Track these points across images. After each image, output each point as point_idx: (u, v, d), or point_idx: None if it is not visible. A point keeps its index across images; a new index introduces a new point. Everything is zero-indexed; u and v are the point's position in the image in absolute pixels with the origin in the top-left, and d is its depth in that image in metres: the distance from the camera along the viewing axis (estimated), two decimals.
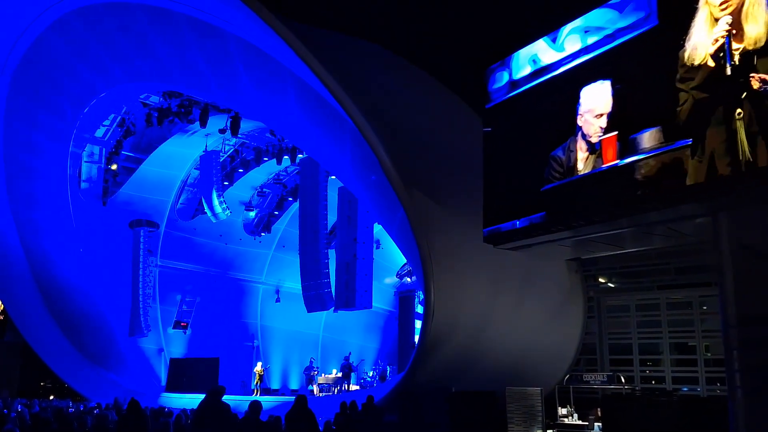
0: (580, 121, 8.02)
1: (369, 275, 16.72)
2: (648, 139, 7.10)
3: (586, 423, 11.13)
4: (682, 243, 11.04)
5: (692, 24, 6.80)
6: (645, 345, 14.31)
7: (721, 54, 6.44)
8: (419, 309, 20.52)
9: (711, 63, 6.57)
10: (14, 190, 17.36)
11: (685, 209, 7.28)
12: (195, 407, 7.45)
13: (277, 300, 22.40)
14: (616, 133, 7.50)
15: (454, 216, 11.56)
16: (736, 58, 6.35)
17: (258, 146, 19.74)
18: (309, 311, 18.94)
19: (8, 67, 15.10)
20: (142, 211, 19.59)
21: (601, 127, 7.72)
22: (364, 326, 22.44)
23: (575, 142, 8.06)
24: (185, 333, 20.90)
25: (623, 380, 11.99)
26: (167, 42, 13.45)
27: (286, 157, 19.28)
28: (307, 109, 12.89)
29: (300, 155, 18.79)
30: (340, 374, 18.63)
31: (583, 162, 7.92)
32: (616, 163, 7.42)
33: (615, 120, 7.58)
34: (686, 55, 6.81)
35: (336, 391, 17.80)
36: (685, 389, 13.54)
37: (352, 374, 18.70)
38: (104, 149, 18.76)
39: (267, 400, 13.97)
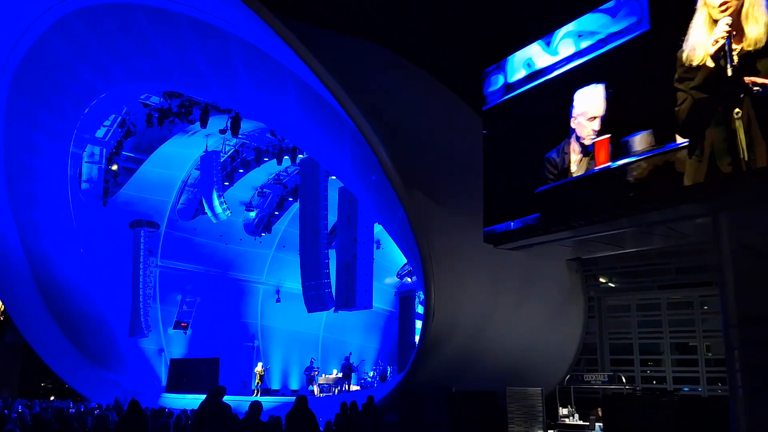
0: (573, 124, 8.14)
1: (369, 275, 16.72)
2: (639, 141, 7.21)
3: (587, 423, 11.12)
4: (683, 243, 11.03)
5: (690, 25, 6.82)
6: (646, 345, 14.30)
7: (721, 55, 6.45)
8: (419, 309, 20.51)
9: (710, 63, 6.58)
10: (15, 190, 17.37)
11: (685, 209, 7.28)
12: (195, 408, 7.45)
13: (278, 300, 22.39)
14: (608, 135, 7.61)
15: (454, 216, 11.55)
16: (736, 58, 6.36)
17: (258, 146, 19.74)
18: (309, 311, 18.94)
19: (9, 68, 15.12)
20: (142, 212, 19.60)
21: (594, 130, 7.83)
22: (365, 326, 22.44)
23: (569, 144, 8.18)
24: (185, 333, 20.90)
25: (624, 380, 11.98)
26: (167, 42, 13.45)
27: (286, 157, 19.28)
28: (307, 109, 12.89)
29: (300, 155, 18.79)
30: (340, 374, 18.63)
31: (576, 164, 8.03)
32: (609, 166, 7.53)
33: (608, 123, 7.69)
34: (684, 55, 6.83)
35: (336, 391, 17.79)
36: (686, 389, 13.53)
37: (353, 374, 18.69)
38: (105, 149, 18.77)
39: (267, 401, 13.97)
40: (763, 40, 6.14)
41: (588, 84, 7.98)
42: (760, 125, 6.10)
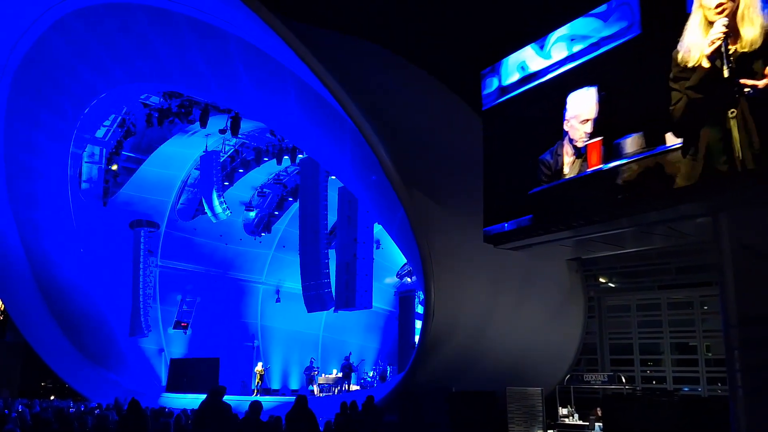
0: (566, 126, 8.21)
1: (369, 275, 16.72)
2: (630, 144, 7.29)
3: (587, 423, 11.12)
4: (683, 243, 11.04)
5: (685, 27, 6.87)
6: (646, 345, 14.30)
7: (717, 55, 6.50)
8: (419, 309, 20.50)
9: (706, 64, 6.63)
10: (15, 190, 17.37)
11: (684, 209, 7.30)
12: (195, 407, 7.45)
13: (278, 300, 22.39)
14: (600, 138, 7.69)
15: (454, 216, 11.55)
16: (732, 59, 6.40)
17: (258, 146, 19.74)
18: (309, 311, 18.94)
19: (9, 68, 15.12)
20: (142, 212, 19.60)
21: (586, 133, 7.91)
22: (365, 326, 22.44)
23: (562, 146, 8.26)
24: (185, 333, 20.90)
25: (624, 380, 11.98)
26: (167, 42, 13.45)
27: (286, 157, 19.28)
28: (307, 109, 12.89)
29: (300, 155, 18.79)
30: (340, 374, 18.63)
31: (569, 166, 8.10)
32: (601, 168, 7.61)
33: (600, 125, 7.78)
34: (680, 56, 6.88)
35: (336, 391, 17.79)
36: (686, 389, 13.53)
37: (353, 374, 18.69)
38: (105, 149, 18.77)
39: (267, 400, 13.97)
40: (759, 42, 6.18)
41: (581, 87, 8.07)
42: (756, 125, 6.13)
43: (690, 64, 6.76)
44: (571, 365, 14.40)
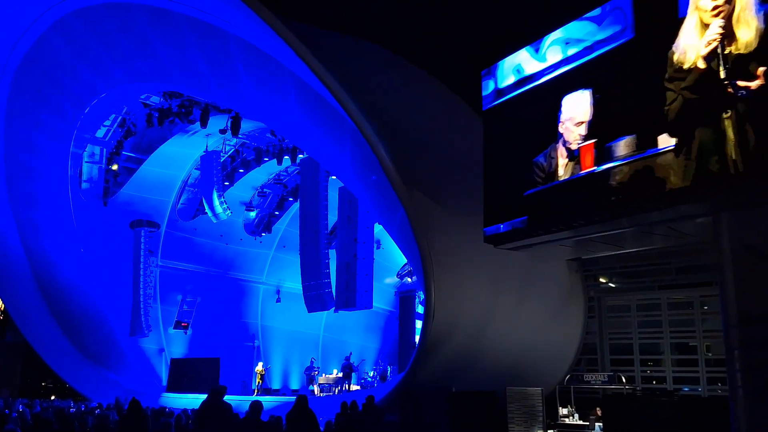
0: (561, 129, 8.30)
1: (369, 275, 16.72)
2: (622, 146, 7.39)
3: (587, 423, 11.12)
4: (683, 243, 11.04)
5: (680, 29, 6.92)
6: (646, 345, 14.30)
7: (713, 57, 6.54)
8: (420, 309, 20.51)
9: (702, 65, 6.68)
10: (15, 190, 17.38)
11: (685, 209, 7.31)
12: (196, 407, 7.45)
13: (278, 300, 22.40)
14: (594, 140, 7.78)
15: (454, 216, 11.55)
16: (728, 61, 6.44)
17: (258, 146, 19.75)
18: (309, 311, 18.94)
19: (9, 68, 15.13)
20: (142, 212, 19.60)
21: (580, 135, 8.00)
22: (365, 326, 22.44)
23: (556, 149, 8.34)
24: (186, 333, 20.90)
25: (624, 380, 11.98)
26: (167, 42, 13.46)
27: (286, 157, 19.29)
28: (307, 109, 12.89)
29: (300, 155, 18.79)
30: (340, 374, 18.63)
31: (563, 168, 8.20)
32: (594, 170, 7.69)
33: (594, 128, 7.87)
34: (675, 57, 6.93)
35: (336, 391, 17.80)
36: (686, 389, 13.53)
37: (353, 374, 18.69)
38: (105, 149, 18.78)
39: (268, 400, 13.97)
40: (754, 44, 6.23)
41: (575, 90, 8.17)
42: (750, 126, 6.18)
43: (686, 66, 6.81)
44: (571, 365, 14.41)
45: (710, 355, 13.33)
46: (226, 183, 19.89)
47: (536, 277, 13.03)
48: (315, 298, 18.34)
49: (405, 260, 20.10)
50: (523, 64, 9.05)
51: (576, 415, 11.59)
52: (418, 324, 19.17)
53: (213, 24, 12.16)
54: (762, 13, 6.21)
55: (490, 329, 12.50)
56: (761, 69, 6.08)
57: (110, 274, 19.28)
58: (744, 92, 6.21)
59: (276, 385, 21.24)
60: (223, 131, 18.28)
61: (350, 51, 12.92)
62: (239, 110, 16.80)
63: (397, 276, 22.49)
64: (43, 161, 17.21)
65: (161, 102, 17.53)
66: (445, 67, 13.44)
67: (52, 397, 19.99)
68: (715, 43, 6.50)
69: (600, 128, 7.76)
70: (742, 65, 6.28)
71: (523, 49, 9.05)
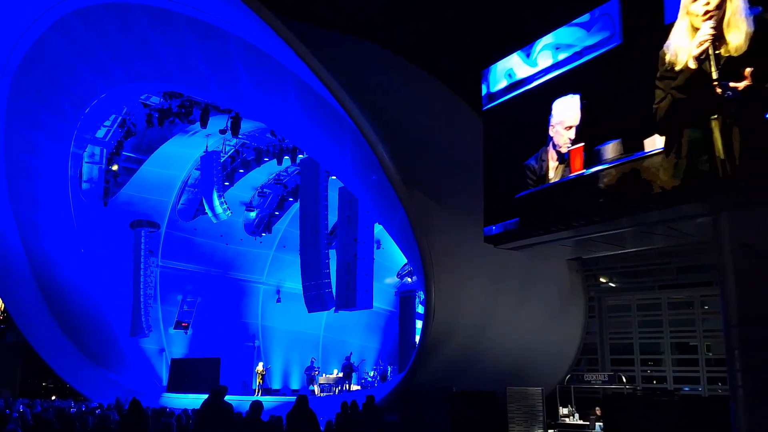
0: (552, 132, 8.45)
1: (369, 275, 16.72)
2: (610, 150, 7.54)
3: (587, 423, 11.12)
4: (684, 243, 11.04)
5: (670, 32, 7.01)
6: (646, 345, 14.30)
7: (704, 57, 6.62)
8: (420, 309, 20.51)
9: (693, 65, 6.75)
10: (15, 191, 17.38)
11: (686, 209, 7.33)
12: (196, 407, 7.45)
13: (278, 300, 22.41)
14: (582, 144, 7.93)
15: (454, 216, 11.55)
16: (720, 62, 6.53)
17: (258, 146, 19.75)
18: (310, 311, 18.94)
19: (9, 68, 15.13)
20: (142, 212, 19.60)
21: (570, 139, 8.15)
22: (365, 326, 22.44)
23: (547, 152, 8.49)
24: (186, 333, 20.91)
25: (624, 380, 11.98)
26: (167, 42, 13.46)
27: (286, 157, 19.29)
28: (307, 109, 12.89)
29: (300, 155, 18.79)
30: (341, 374, 18.63)
31: (553, 171, 8.36)
32: (583, 173, 7.85)
33: (582, 132, 8.02)
34: (667, 58, 7.01)
35: (337, 391, 17.80)
36: (687, 389, 13.53)
37: (353, 374, 18.69)
38: (105, 150, 18.78)
39: (268, 400, 13.98)
40: (744, 47, 6.32)
41: (565, 94, 8.31)
42: (737, 127, 6.25)
43: (678, 68, 6.91)
44: (571, 365, 14.41)
45: (710, 354, 13.33)
46: (227, 183, 19.89)
47: (536, 277, 13.03)
48: (315, 298, 18.34)
49: (405, 260, 20.10)
50: (514, 68, 9.24)
51: (576, 415, 11.59)
52: (419, 324, 19.17)
53: (213, 24, 12.16)
54: (752, 16, 6.30)
55: (490, 329, 12.50)
56: (749, 70, 6.19)
57: (110, 274, 19.28)
58: (731, 93, 6.32)
59: (276, 385, 21.24)
60: (223, 131, 18.28)
61: (350, 51, 12.93)
62: (239, 110, 16.80)
63: (397, 276, 22.49)
64: (43, 161, 17.21)
65: (161, 102, 17.53)
66: (445, 67, 13.45)
67: (53, 397, 20.01)
68: (706, 44, 6.59)
69: (588, 132, 7.93)
70: (732, 68, 6.39)
71: (515, 53, 9.23)
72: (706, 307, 13.55)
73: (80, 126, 17.09)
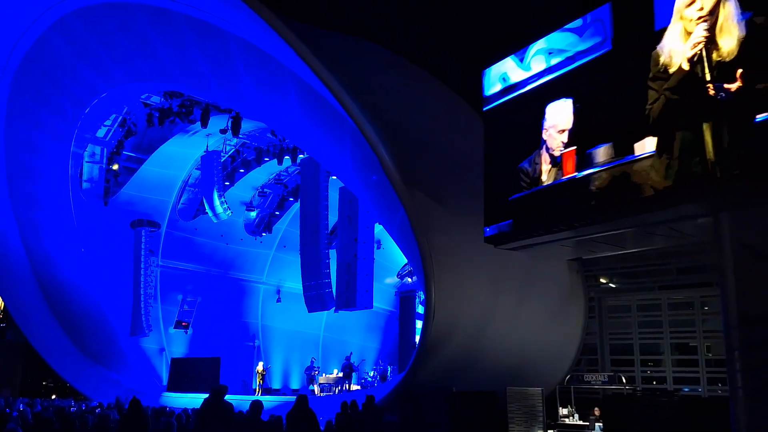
0: (545, 135, 8.57)
1: (370, 275, 16.72)
2: (601, 153, 7.66)
3: (587, 423, 11.12)
4: (684, 243, 11.04)
5: (665, 34, 7.09)
6: (646, 345, 14.30)
7: (696, 59, 6.71)
8: (420, 309, 20.51)
9: (686, 66, 6.83)
10: (16, 190, 17.39)
11: (686, 209, 7.34)
12: (196, 407, 7.46)
13: (278, 300, 22.42)
14: (574, 147, 8.04)
15: (454, 216, 11.55)
16: (713, 65, 6.61)
17: (259, 146, 19.76)
18: (310, 311, 18.95)
19: (10, 68, 15.14)
20: (143, 211, 19.62)
21: (562, 142, 8.27)
22: (365, 326, 22.45)
23: (540, 155, 8.61)
24: (186, 333, 20.92)
25: (624, 380, 11.98)
26: (167, 42, 13.46)
27: (286, 157, 19.29)
28: (307, 109, 12.89)
29: (301, 155, 18.80)
30: (341, 374, 18.64)
31: (546, 174, 8.48)
32: (575, 176, 7.96)
33: (575, 135, 8.13)
34: (661, 59, 7.09)
35: (337, 390, 17.81)
36: (687, 390, 13.53)
37: (353, 374, 18.70)
38: (105, 149, 18.80)
39: (268, 400, 13.98)
40: (736, 51, 6.42)
41: (558, 98, 8.42)
42: (727, 129, 6.33)
43: (671, 70, 6.99)
44: (571, 365, 14.41)
45: (710, 355, 13.33)
46: (227, 183, 19.90)
47: (536, 277, 13.03)
48: (315, 298, 18.35)
49: (405, 260, 20.11)
50: (508, 72, 9.35)
51: (576, 416, 11.59)
52: (419, 324, 19.18)
53: (213, 24, 12.16)
54: (743, 21, 6.40)
55: (490, 329, 12.50)
56: (740, 71, 6.28)
57: (111, 273, 19.29)
58: (724, 94, 6.40)
59: (276, 384, 21.25)
60: (223, 131, 18.29)
61: (351, 51, 12.93)
62: (240, 110, 16.81)
63: (397, 276, 22.50)
64: (43, 161, 17.22)
65: (162, 102, 17.54)
66: (446, 68, 13.45)
67: (53, 397, 20.02)
68: (700, 45, 6.68)
69: (581, 136, 8.04)
70: (724, 71, 6.49)
71: (509, 57, 9.33)
72: (706, 308, 13.55)
73: (80, 125, 17.10)
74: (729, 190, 6.52)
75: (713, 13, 6.66)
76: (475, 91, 10.13)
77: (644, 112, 7.09)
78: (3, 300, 21.06)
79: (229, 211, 18.92)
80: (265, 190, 21.45)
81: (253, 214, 21.82)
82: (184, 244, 20.72)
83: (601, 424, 10.39)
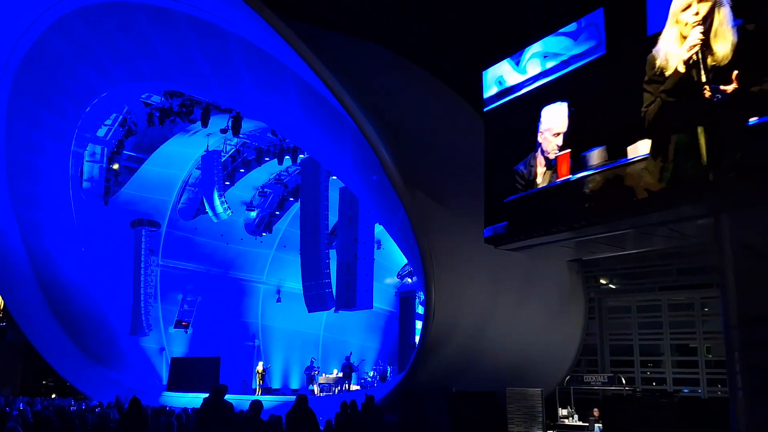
0: (540, 138, 8.64)
1: (370, 275, 16.73)
2: (596, 156, 7.72)
3: (587, 424, 11.13)
4: (684, 244, 11.03)
5: (660, 38, 7.12)
6: (646, 346, 14.30)
7: (692, 63, 6.75)
8: (420, 309, 20.52)
9: (681, 68, 6.87)
10: (16, 190, 17.40)
11: (686, 210, 7.35)
12: (196, 406, 7.46)
13: (278, 300, 22.42)
14: (569, 150, 8.11)
15: (455, 216, 11.56)
16: (709, 68, 6.65)
17: (259, 146, 19.76)
18: (310, 311, 18.96)
19: (10, 68, 15.14)
20: (143, 211, 19.63)
21: (557, 145, 8.34)
22: (365, 326, 22.45)
23: (535, 157, 8.67)
24: (186, 332, 20.93)
25: (624, 381, 11.98)
26: (168, 42, 13.47)
27: (287, 157, 19.30)
28: (308, 109, 12.90)
29: (301, 155, 18.80)
30: (340, 374, 18.64)
31: (541, 176, 8.55)
32: (569, 178, 8.03)
33: (569, 138, 8.20)
34: (657, 63, 7.12)
35: (336, 390, 17.81)
36: (686, 391, 13.53)
37: (353, 374, 18.71)
38: (106, 149, 18.81)
39: (268, 400, 13.99)
40: (730, 56, 6.48)
41: (553, 102, 8.49)
42: (724, 132, 6.36)
43: (667, 72, 7.02)
44: (571, 366, 14.41)
45: (710, 356, 13.33)
46: (227, 183, 19.91)
47: (536, 278, 13.03)
48: (315, 298, 18.35)
49: (405, 260, 20.11)
50: (504, 75, 9.41)
51: (576, 416, 11.59)
52: (418, 324, 19.18)
53: (213, 23, 12.16)
54: (737, 26, 6.44)
55: (490, 329, 12.50)
56: (735, 72, 6.33)
57: (111, 273, 19.30)
58: (720, 96, 6.43)
59: (276, 384, 21.26)
60: (224, 131, 18.29)
61: (352, 51, 12.93)
62: (240, 110, 16.82)
63: (397, 276, 22.50)
64: (44, 161, 17.23)
65: (162, 101, 17.55)
66: (447, 68, 13.46)
67: (53, 396, 20.02)
68: (696, 49, 6.72)
69: (575, 139, 8.10)
70: (719, 75, 6.54)
71: (505, 60, 9.39)
72: (706, 309, 13.55)
73: (81, 125, 17.11)
74: (725, 192, 6.54)
75: (708, 18, 6.71)
76: (476, 92, 10.13)
77: (637, 115, 7.15)
78: (3, 299, 21.07)
79: (229, 211, 18.93)
80: (265, 189, 21.45)
81: (254, 213, 21.83)
82: (185, 244, 20.73)
83: (600, 425, 10.39)
